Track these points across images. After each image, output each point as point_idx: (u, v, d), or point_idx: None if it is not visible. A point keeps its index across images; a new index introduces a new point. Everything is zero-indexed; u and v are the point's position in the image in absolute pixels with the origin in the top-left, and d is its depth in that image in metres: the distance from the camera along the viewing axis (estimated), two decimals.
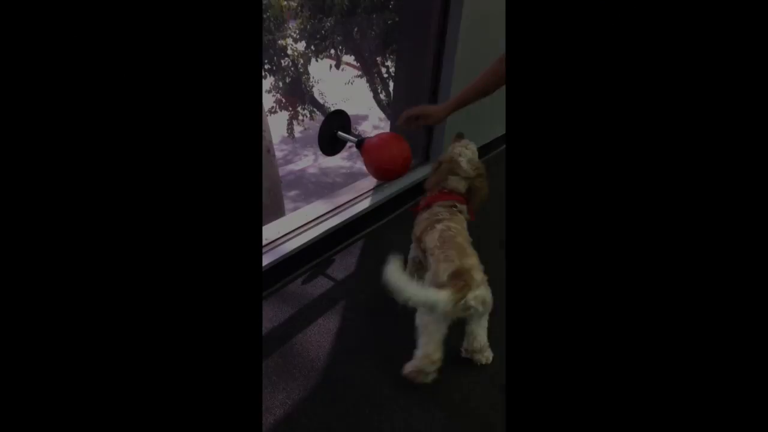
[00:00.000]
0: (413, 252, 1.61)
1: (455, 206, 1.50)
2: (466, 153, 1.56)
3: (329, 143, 1.85)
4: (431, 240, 1.35)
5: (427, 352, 1.29)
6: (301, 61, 5.97)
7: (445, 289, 1.18)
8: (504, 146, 3.13)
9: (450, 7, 2.11)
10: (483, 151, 2.87)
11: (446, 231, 1.35)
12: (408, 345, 1.53)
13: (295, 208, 2.03)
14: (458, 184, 1.54)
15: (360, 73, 6.62)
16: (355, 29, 5.68)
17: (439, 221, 1.41)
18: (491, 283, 1.30)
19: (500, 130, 3.03)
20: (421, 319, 1.31)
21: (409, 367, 1.35)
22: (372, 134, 1.80)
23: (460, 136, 1.65)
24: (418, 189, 2.43)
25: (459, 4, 2.07)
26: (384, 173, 1.70)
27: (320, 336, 1.55)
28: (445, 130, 2.36)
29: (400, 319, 1.63)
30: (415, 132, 2.42)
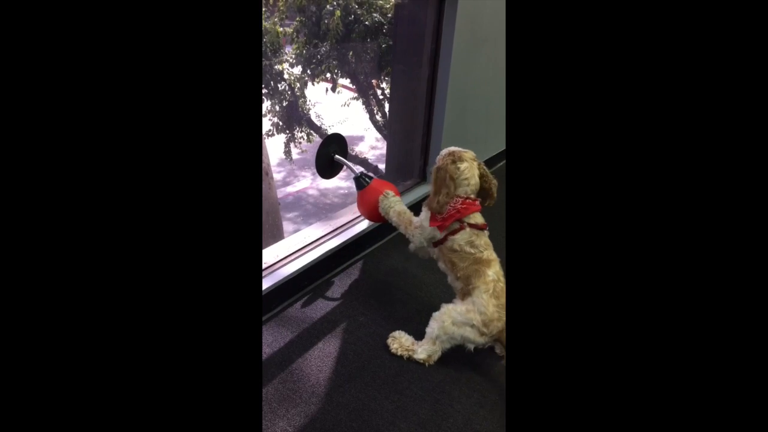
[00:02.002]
0: (444, 269, 1.61)
1: (484, 229, 1.53)
2: (451, 148, 1.56)
3: (326, 167, 1.87)
4: (484, 287, 1.45)
5: (431, 358, 1.52)
6: (298, 85, 6.06)
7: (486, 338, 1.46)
8: (501, 163, 3.16)
9: (442, 31, 2.16)
10: None
11: (498, 282, 1.46)
12: (410, 368, 1.52)
13: (295, 230, 2.04)
14: (472, 180, 1.49)
15: (356, 95, 6.72)
16: (350, 53, 5.80)
17: (488, 263, 1.48)
18: None
19: (497, 147, 3.07)
20: (435, 330, 1.48)
21: (403, 350, 1.55)
22: (367, 153, 1.88)
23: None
24: (415, 209, 2.44)
25: (451, 29, 2.13)
26: (374, 219, 1.78)
27: (321, 360, 1.54)
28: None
29: None
30: (412, 152, 2.45)
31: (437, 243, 1.56)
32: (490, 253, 1.50)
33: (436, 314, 1.50)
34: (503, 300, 1.45)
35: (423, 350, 1.52)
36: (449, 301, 1.58)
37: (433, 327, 1.48)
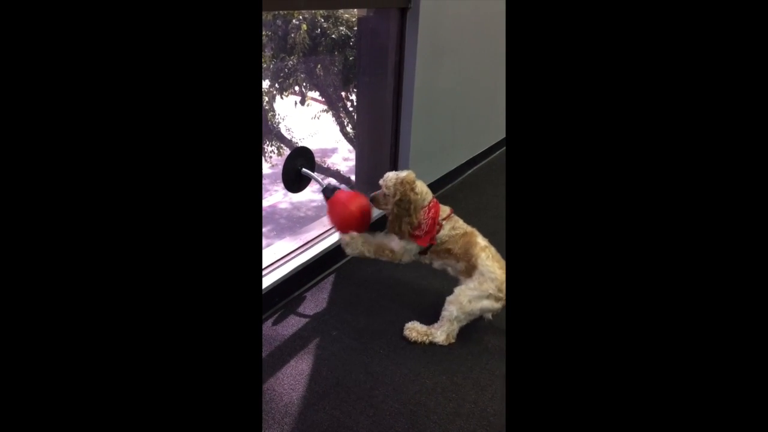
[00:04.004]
0: (442, 265, 1.71)
1: (453, 214, 1.70)
2: (392, 176, 1.64)
3: (294, 181, 1.85)
4: (483, 254, 1.60)
5: (450, 336, 1.64)
6: (266, 99, 6.02)
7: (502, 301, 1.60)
8: (471, 170, 3.21)
9: (405, 43, 2.19)
10: (446, 180, 2.94)
11: (489, 247, 1.63)
12: (385, 381, 1.50)
13: (268, 245, 1.99)
14: (428, 196, 1.65)
15: (326, 107, 6.71)
16: (318, 66, 5.81)
17: (473, 234, 1.65)
18: None
19: (465, 156, 3.12)
20: (453, 311, 1.60)
21: (421, 337, 1.64)
22: (340, 165, 1.86)
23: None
24: (385, 221, 2.44)
25: (414, 40, 2.16)
26: (345, 229, 1.75)
27: (293, 379, 1.50)
28: (410, 160, 2.40)
29: (375, 356, 1.61)
30: (381, 163, 2.45)
31: (425, 250, 1.68)
32: (469, 227, 1.68)
33: (450, 298, 1.61)
34: (503, 261, 1.62)
35: (442, 332, 1.63)
36: (425, 312, 1.67)
37: (450, 310, 1.60)
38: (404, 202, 1.58)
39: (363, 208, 1.73)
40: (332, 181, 1.88)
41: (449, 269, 1.70)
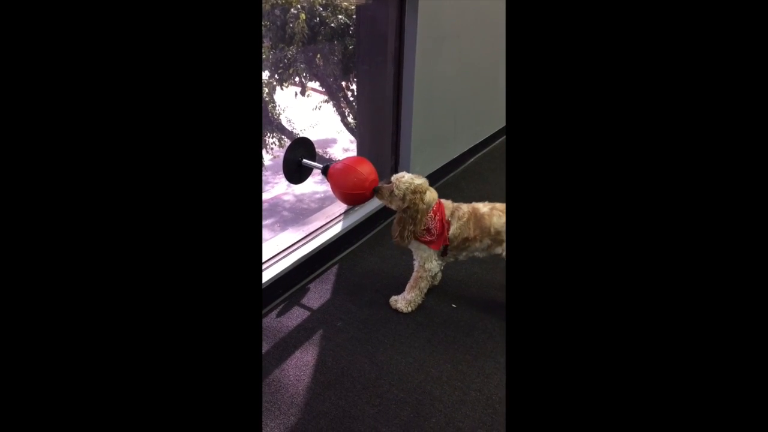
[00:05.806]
0: (467, 254, 1.73)
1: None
2: (406, 180, 1.60)
3: (295, 172, 1.84)
4: (498, 217, 1.63)
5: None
6: (266, 90, 5.98)
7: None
8: (471, 160, 3.19)
9: (404, 30, 2.16)
10: (448, 168, 2.92)
11: (494, 206, 1.66)
12: (390, 371, 1.50)
13: (271, 237, 1.99)
14: (434, 202, 1.63)
15: (326, 98, 6.67)
16: (318, 56, 5.75)
17: (475, 210, 1.66)
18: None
19: (467, 144, 3.09)
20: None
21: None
22: (341, 156, 1.82)
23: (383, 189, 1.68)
24: (389, 210, 2.43)
25: (413, 27, 2.13)
26: (351, 198, 1.71)
27: (299, 370, 1.51)
28: (411, 149, 2.38)
29: (380, 345, 1.61)
30: (382, 152, 2.44)
31: (444, 251, 1.68)
32: (469, 206, 1.68)
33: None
34: None
35: None
36: (429, 300, 1.68)
37: None
38: (411, 211, 1.58)
39: (356, 163, 1.69)
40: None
41: (477, 253, 1.70)
